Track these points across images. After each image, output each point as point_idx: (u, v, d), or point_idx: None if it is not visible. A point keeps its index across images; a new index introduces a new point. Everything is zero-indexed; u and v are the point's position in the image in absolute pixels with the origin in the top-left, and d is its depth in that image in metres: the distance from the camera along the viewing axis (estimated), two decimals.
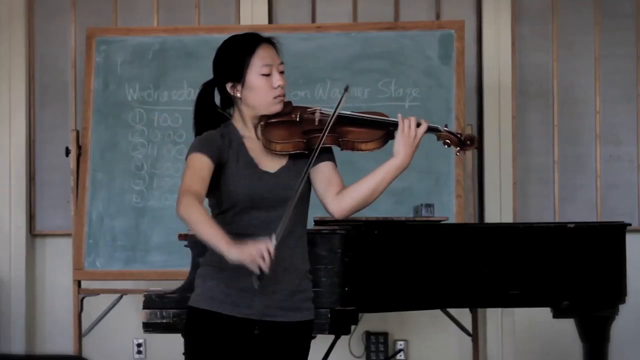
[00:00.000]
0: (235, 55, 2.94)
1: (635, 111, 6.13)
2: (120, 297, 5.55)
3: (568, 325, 4.64)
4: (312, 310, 3.00)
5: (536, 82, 6.15)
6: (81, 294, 5.44)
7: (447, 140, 3.00)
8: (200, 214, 2.75)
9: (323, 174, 2.96)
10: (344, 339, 5.54)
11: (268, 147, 2.93)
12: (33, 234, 6.23)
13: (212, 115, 3.01)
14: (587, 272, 4.39)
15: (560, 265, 4.37)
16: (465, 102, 5.56)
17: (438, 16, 6.15)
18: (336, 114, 2.92)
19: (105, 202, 5.51)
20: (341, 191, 2.94)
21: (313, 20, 6.20)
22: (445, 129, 3.01)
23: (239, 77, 2.93)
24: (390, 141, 3.01)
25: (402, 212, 5.18)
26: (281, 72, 2.97)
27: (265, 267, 2.66)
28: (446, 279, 4.27)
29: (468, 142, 3.01)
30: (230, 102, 3.01)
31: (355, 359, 6.12)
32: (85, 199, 5.49)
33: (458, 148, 3.01)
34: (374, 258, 4.13)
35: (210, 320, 2.91)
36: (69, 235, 5.83)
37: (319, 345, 4.72)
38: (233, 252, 2.68)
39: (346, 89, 2.96)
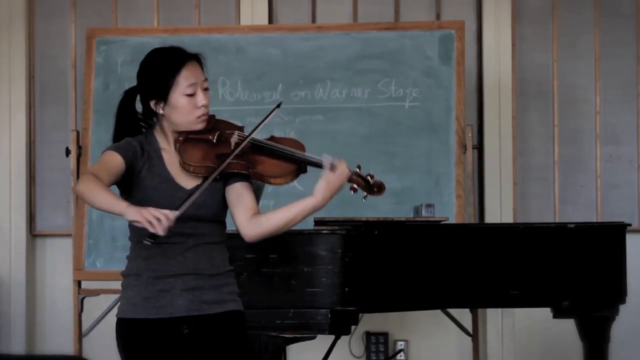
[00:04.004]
0: (159, 74, 2.94)
1: (635, 111, 6.13)
2: None
3: (568, 325, 4.64)
4: (239, 302, 3.00)
5: (536, 82, 6.15)
6: (81, 294, 5.44)
7: (355, 185, 2.92)
8: (96, 183, 2.74)
9: (237, 195, 2.95)
10: (344, 339, 5.54)
11: (182, 167, 2.93)
12: (33, 234, 6.23)
13: (132, 123, 3.02)
14: (587, 272, 4.39)
15: (560, 266, 4.37)
16: (465, 102, 5.56)
17: (438, 16, 6.15)
18: (248, 139, 2.91)
19: None
20: (255, 216, 2.94)
21: (313, 20, 6.20)
22: (357, 170, 2.95)
23: (162, 96, 2.93)
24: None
25: (402, 212, 5.18)
26: (206, 89, 2.96)
27: (160, 230, 2.66)
28: (446, 279, 4.27)
29: (375, 189, 2.95)
30: (152, 113, 2.99)
31: (355, 359, 6.12)
32: None
33: (365, 194, 2.96)
34: (374, 258, 4.13)
35: (138, 327, 2.93)
36: (69, 235, 5.83)
37: (319, 345, 4.74)
38: (131, 211, 2.68)
39: (278, 106, 2.97)
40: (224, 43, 5.58)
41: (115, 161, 2.87)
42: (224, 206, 2.98)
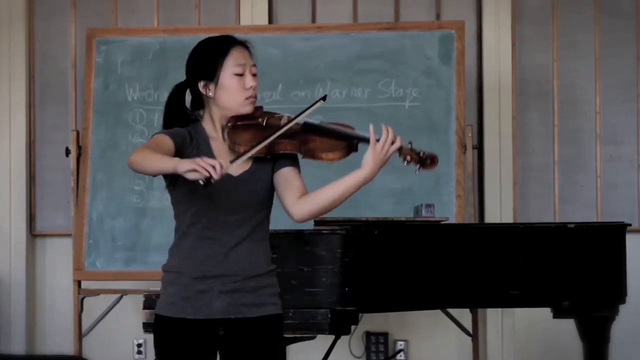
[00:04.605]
0: (209, 55, 2.97)
1: (635, 111, 6.13)
2: (120, 297, 5.55)
3: (568, 325, 4.64)
4: (279, 305, 2.99)
5: (536, 82, 6.15)
6: (81, 294, 5.45)
7: (408, 157, 2.94)
8: (150, 151, 2.76)
9: (286, 179, 2.96)
10: (344, 339, 5.54)
11: (232, 149, 2.93)
12: (33, 234, 6.22)
13: (181, 116, 3.03)
14: (587, 272, 4.39)
15: (560, 266, 4.37)
16: (465, 102, 5.57)
17: (438, 16, 6.15)
18: (296, 120, 2.91)
19: (106, 202, 5.51)
20: (303, 196, 2.94)
21: (313, 20, 6.20)
22: (409, 145, 2.96)
23: (212, 75, 2.95)
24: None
25: (402, 212, 5.18)
26: (254, 75, 2.98)
27: (215, 175, 2.65)
28: (446, 279, 4.27)
29: (428, 161, 2.95)
30: (201, 103, 3.02)
31: (355, 359, 6.12)
32: (86, 199, 5.49)
33: (419, 165, 2.95)
34: (374, 258, 4.13)
35: (175, 326, 2.92)
36: (69, 235, 5.83)
37: (319, 345, 4.74)
38: (183, 162, 2.69)
39: (323, 98, 2.96)
40: None
41: (167, 142, 2.87)
42: (271, 194, 2.97)
